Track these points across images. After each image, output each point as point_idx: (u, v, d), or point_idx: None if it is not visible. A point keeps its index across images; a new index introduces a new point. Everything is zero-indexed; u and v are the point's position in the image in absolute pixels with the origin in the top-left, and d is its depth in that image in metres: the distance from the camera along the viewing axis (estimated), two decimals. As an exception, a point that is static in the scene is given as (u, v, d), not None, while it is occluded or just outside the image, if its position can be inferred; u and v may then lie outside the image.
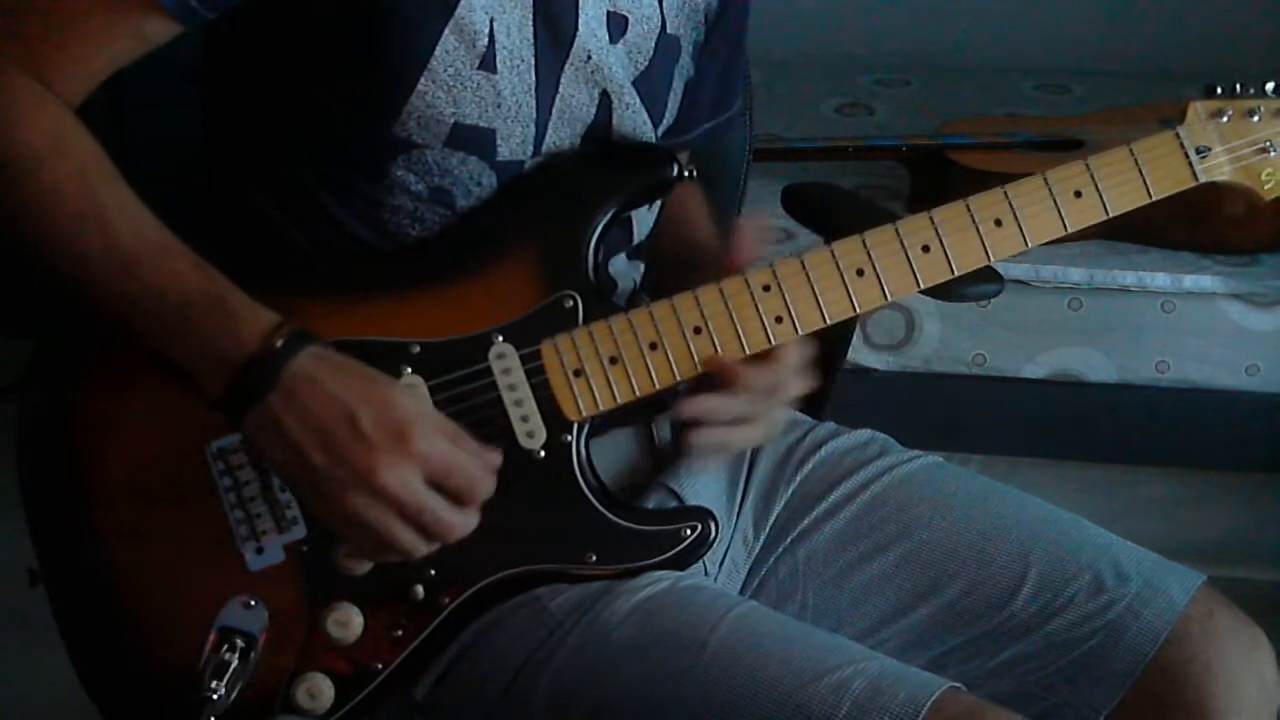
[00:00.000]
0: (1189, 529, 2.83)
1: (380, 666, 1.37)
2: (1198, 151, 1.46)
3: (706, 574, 1.50)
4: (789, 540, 1.57)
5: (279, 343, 1.28)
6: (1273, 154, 1.48)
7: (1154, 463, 2.82)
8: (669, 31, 1.50)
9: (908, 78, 3.46)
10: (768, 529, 1.57)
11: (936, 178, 2.73)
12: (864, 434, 1.64)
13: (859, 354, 2.66)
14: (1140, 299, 2.65)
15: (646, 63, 1.49)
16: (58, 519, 1.39)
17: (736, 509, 1.58)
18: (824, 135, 3.00)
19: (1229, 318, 2.64)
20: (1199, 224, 2.62)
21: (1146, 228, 2.64)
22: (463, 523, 1.31)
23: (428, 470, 1.28)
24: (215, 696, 1.31)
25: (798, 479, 1.59)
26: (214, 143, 1.49)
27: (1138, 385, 2.68)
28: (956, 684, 1.31)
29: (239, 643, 1.34)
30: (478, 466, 1.31)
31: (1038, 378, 2.70)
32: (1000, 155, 2.73)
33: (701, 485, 1.53)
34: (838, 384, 1.88)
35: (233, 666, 1.33)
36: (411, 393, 1.33)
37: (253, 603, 1.35)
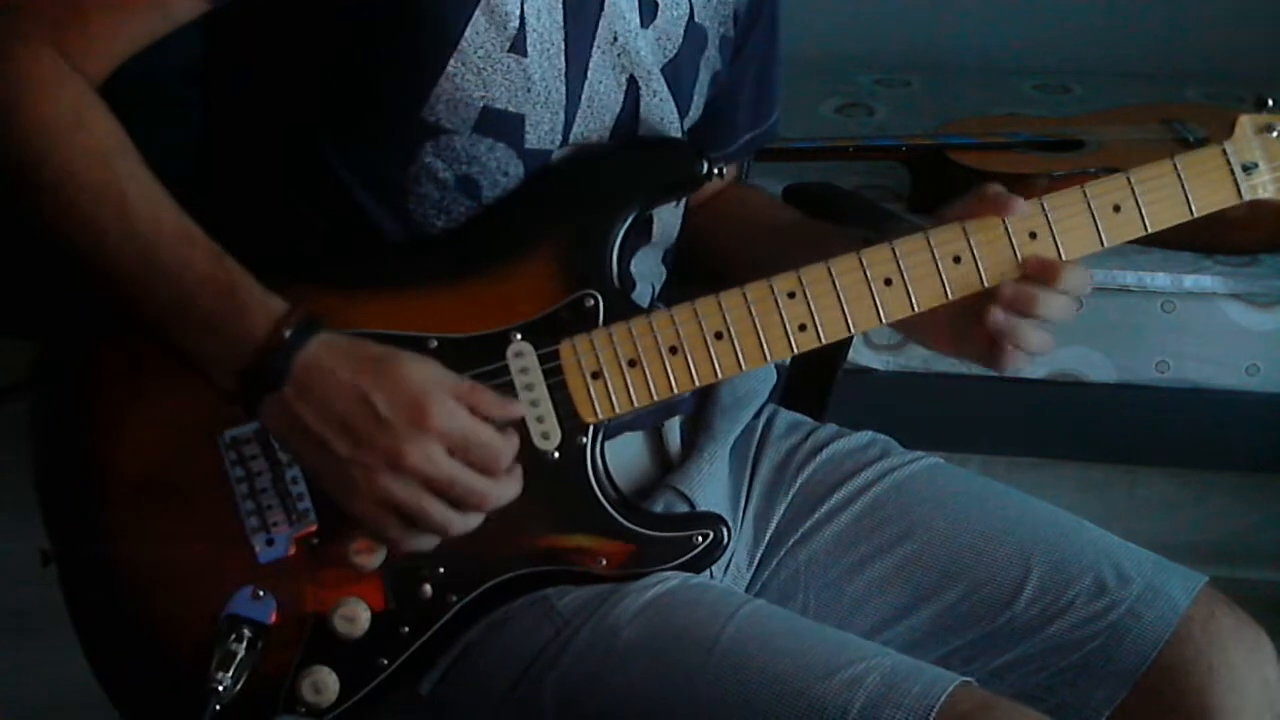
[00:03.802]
0: (1189, 529, 2.84)
1: (386, 662, 1.37)
2: (1244, 168, 1.43)
3: (711, 577, 1.49)
4: (790, 543, 1.57)
5: (288, 332, 1.27)
6: None
7: (1154, 463, 2.83)
8: (696, 20, 1.50)
9: (908, 78, 3.46)
10: (770, 532, 1.58)
11: (936, 178, 2.73)
12: (865, 436, 1.64)
13: (859, 354, 2.66)
14: (1140, 299, 2.65)
15: (675, 50, 1.48)
16: (71, 508, 1.39)
17: (741, 512, 1.58)
18: (824, 135, 2.99)
19: (1229, 318, 2.64)
20: (1199, 224, 2.62)
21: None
22: (497, 490, 1.31)
23: (449, 444, 1.28)
24: (221, 687, 1.31)
25: (799, 481, 1.60)
26: (222, 136, 1.48)
27: (1138, 385, 2.69)
28: (969, 679, 1.31)
29: (246, 633, 1.33)
30: (493, 435, 1.30)
31: (1038, 378, 2.70)
32: (1000, 155, 2.73)
33: (710, 488, 1.53)
34: (838, 384, 1.88)
35: (239, 656, 1.32)
36: (420, 360, 1.31)
37: (261, 594, 1.35)
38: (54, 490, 1.40)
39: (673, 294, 1.56)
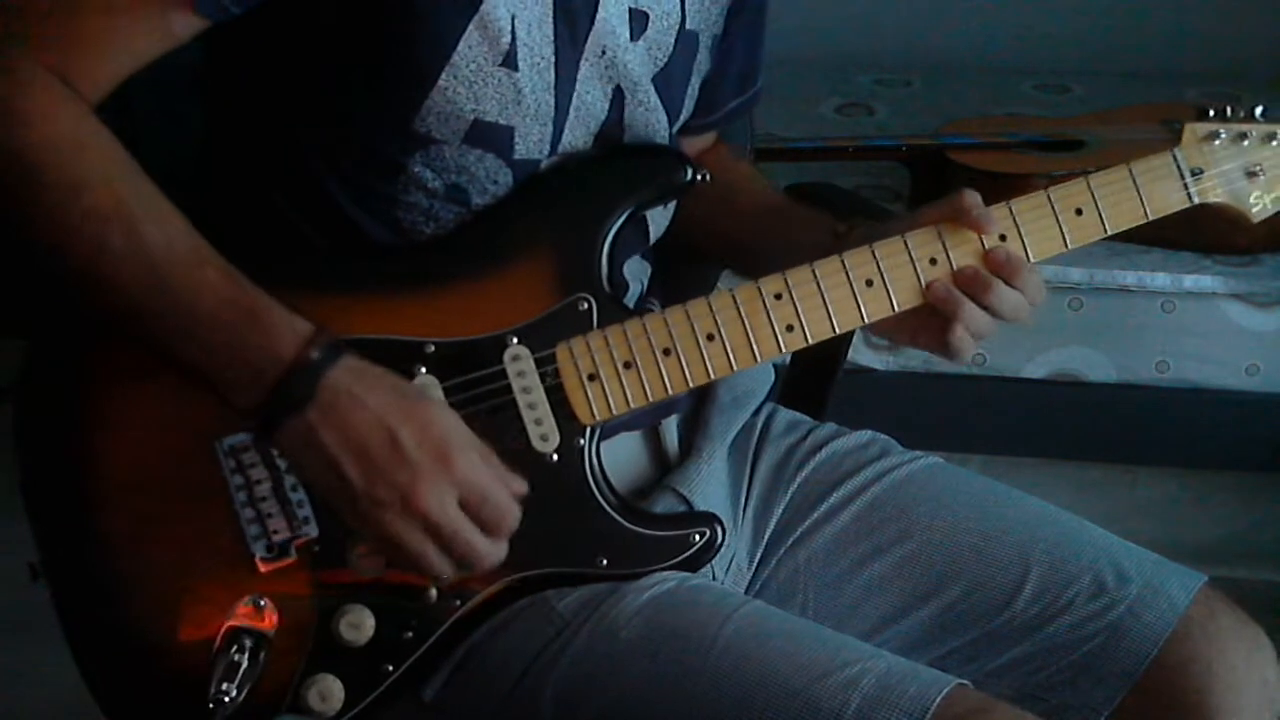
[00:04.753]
0: (1189, 529, 2.84)
1: (391, 668, 1.37)
2: (1192, 173, 1.48)
3: (714, 578, 1.50)
4: (790, 542, 1.57)
5: (315, 353, 1.27)
6: (1261, 177, 1.50)
7: (1154, 463, 2.83)
8: (688, 27, 1.50)
9: (908, 78, 3.46)
10: (769, 531, 1.58)
11: (936, 178, 2.73)
12: (864, 435, 1.64)
13: (859, 354, 2.66)
14: (1140, 299, 2.65)
15: (666, 59, 1.49)
16: (62, 520, 1.38)
17: (740, 512, 1.58)
18: (824, 135, 3.00)
19: (1229, 318, 2.64)
20: (1199, 224, 2.62)
21: (1146, 227, 2.65)
22: (494, 553, 1.31)
23: (463, 495, 1.28)
24: (225, 699, 1.31)
25: (798, 480, 1.60)
26: (221, 142, 1.48)
27: (1138, 385, 2.69)
28: (964, 681, 1.31)
29: (249, 643, 1.33)
30: (507, 497, 1.31)
31: (1038, 378, 2.70)
32: (1000, 155, 2.73)
33: (709, 489, 1.54)
34: (838, 384, 1.89)
35: (243, 667, 1.32)
36: (447, 410, 1.32)
37: (263, 603, 1.35)
38: (43, 501, 1.39)
39: (657, 287, 1.58)
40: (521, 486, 1.33)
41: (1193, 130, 1.49)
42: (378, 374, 1.30)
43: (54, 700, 1.88)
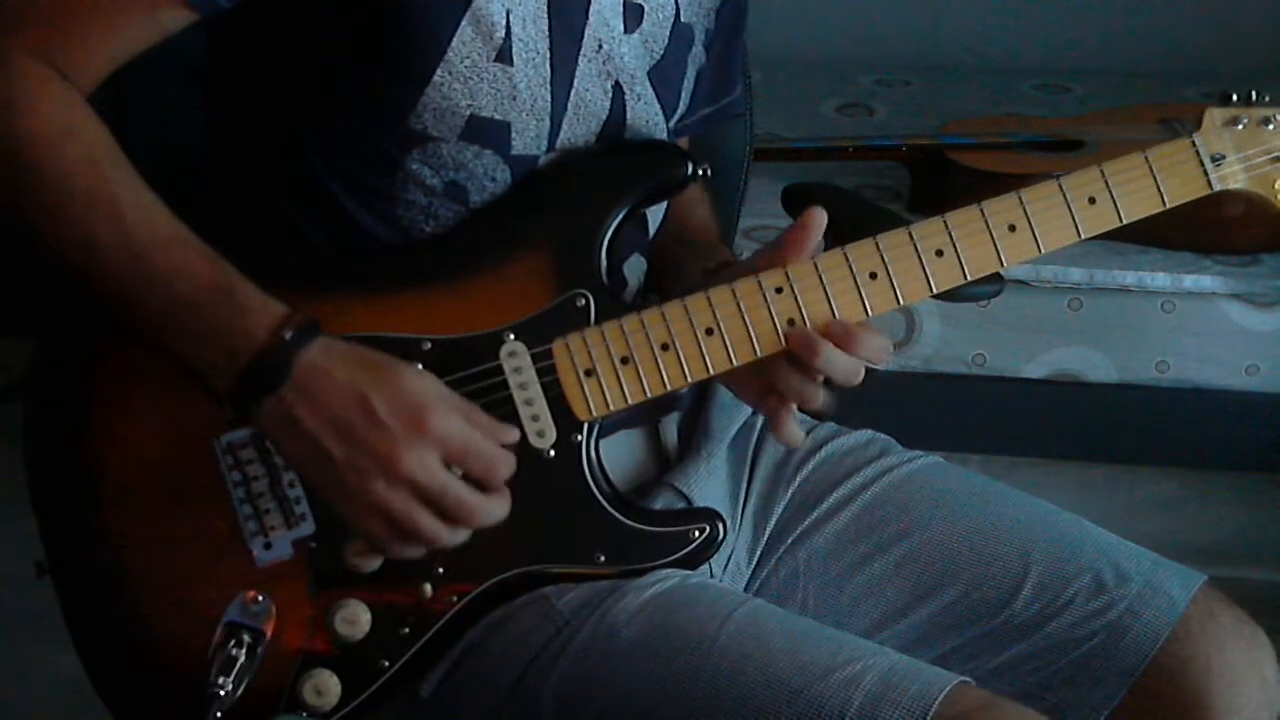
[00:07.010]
0: (1189, 529, 2.84)
1: (387, 664, 1.37)
2: (1213, 159, 1.45)
3: (712, 576, 1.50)
4: (789, 541, 1.57)
5: (288, 334, 1.27)
6: None
7: (1154, 463, 2.83)
8: (683, 20, 1.50)
9: (908, 78, 3.46)
10: (769, 530, 1.58)
11: (936, 178, 2.74)
12: (864, 434, 1.64)
13: (859, 353, 2.66)
14: (1140, 299, 2.65)
15: (662, 52, 1.49)
16: (66, 516, 1.39)
17: (740, 510, 1.58)
18: (824, 135, 3.00)
19: (1229, 318, 2.64)
20: (1199, 224, 2.63)
21: (1146, 228, 2.63)
22: (488, 506, 1.31)
23: (445, 452, 1.28)
24: (222, 692, 1.31)
25: (798, 480, 1.59)
26: (219, 140, 1.48)
27: (1138, 385, 2.68)
28: (967, 679, 1.31)
29: (246, 638, 1.33)
30: (493, 446, 1.31)
31: (1038, 378, 2.70)
32: (1000, 155, 2.74)
33: (709, 487, 1.53)
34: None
35: (240, 662, 1.33)
36: (420, 372, 1.32)
37: (260, 598, 1.35)
38: (49, 497, 1.40)
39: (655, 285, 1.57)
40: (510, 434, 1.33)
41: (1213, 116, 1.46)
42: (348, 349, 1.30)
43: (56, 698, 1.88)
